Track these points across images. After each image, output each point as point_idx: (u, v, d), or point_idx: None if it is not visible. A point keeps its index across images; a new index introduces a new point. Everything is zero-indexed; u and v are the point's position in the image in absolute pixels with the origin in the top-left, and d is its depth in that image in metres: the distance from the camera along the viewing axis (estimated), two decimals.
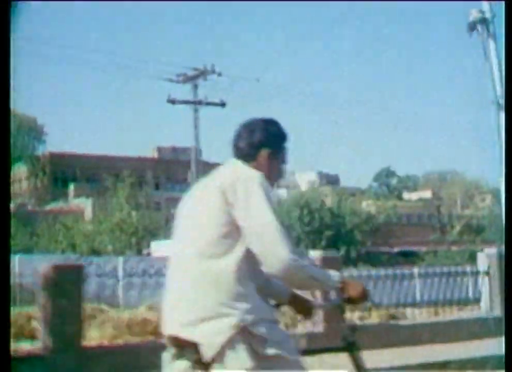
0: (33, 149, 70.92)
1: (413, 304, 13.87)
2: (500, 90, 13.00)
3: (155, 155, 77.55)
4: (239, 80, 31.18)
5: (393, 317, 11.27)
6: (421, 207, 73.54)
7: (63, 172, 66.23)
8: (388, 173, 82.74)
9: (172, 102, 23.89)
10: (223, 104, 25.05)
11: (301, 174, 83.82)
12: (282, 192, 67.51)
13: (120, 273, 24.38)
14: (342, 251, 37.92)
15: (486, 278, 10.71)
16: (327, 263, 8.79)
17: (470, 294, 17.76)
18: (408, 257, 43.09)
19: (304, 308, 3.11)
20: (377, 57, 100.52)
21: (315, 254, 8.84)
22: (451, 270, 13.65)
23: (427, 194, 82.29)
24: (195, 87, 24.46)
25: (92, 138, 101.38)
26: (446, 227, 66.79)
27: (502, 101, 13.09)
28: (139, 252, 35.12)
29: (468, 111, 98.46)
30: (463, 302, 12.97)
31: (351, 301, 2.82)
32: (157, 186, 73.01)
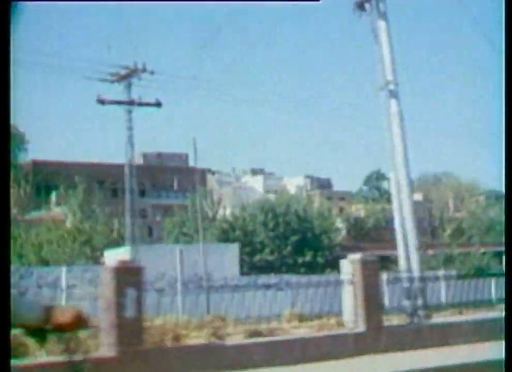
0: (14, 157, 70.05)
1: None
2: (391, 74, 11.61)
3: (141, 161, 76.58)
4: (175, 78, 29.83)
5: (257, 334, 9.86)
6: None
7: (46, 180, 65.31)
8: (378, 176, 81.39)
9: (101, 102, 22.63)
10: (158, 104, 23.77)
11: (290, 179, 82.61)
12: (270, 197, 66.29)
13: (63, 283, 23.21)
14: (308, 256, 36.51)
15: (349, 287, 9.30)
16: (128, 270, 7.51)
17: (443, 299, 16.44)
18: (382, 262, 41.57)
19: (37, 332, 2.49)
20: (365, 57, 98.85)
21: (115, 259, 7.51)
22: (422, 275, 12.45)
23: (418, 197, 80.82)
24: (129, 86, 23.21)
25: (76, 145, 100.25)
26: (437, 230, 65.48)
27: (394, 87, 11.72)
28: (96, 261, 33.85)
29: (463, 112, 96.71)
30: (434, 308, 11.91)
31: (59, 328, 2.46)
32: (142, 193, 72.07)
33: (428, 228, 65.94)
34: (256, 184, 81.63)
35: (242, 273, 34.30)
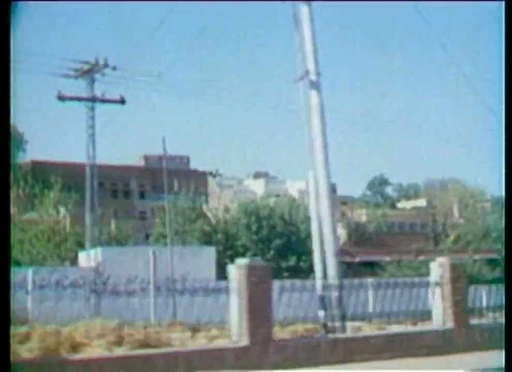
0: (13, 157, 69.80)
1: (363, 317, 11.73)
2: (313, 64, 10.65)
3: (142, 163, 76.12)
4: (139, 75, 29.04)
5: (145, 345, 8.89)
6: (415, 216, 70.89)
7: (45, 181, 65.05)
8: (381, 181, 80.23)
9: (61, 98, 21.83)
10: (122, 101, 22.95)
11: (292, 183, 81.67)
12: (271, 201, 65.45)
13: (30, 284, 22.43)
14: (292, 261, 35.49)
15: (235, 296, 8.34)
16: None
17: (429, 305, 15.52)
18: (371, 267, 40.55)
19: None
20: (373, 61, 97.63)
21: None
22: (407, 281, 11.89)
23: (422, 202, 79.72)
24: (92, 82, 22.41)
25: (76, 145, 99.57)
26: (440, 236, 64.33)
27: (315, 77, 10.76)
28: (73, 262, 33.17)
29: (471, 118, 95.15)
30: (419, 315, 11.09)
31: None
32: (142, 195, 71.61)
33: (431, 234, 64.82)
34: (258, 187, 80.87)
35: (223, 277, 33.44)
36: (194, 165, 72.02)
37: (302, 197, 77.01)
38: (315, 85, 10.55)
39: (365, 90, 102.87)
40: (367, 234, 62.20)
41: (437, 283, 9.95)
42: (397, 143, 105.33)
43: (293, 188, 79.92)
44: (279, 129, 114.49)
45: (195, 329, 15.78)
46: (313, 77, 10.56)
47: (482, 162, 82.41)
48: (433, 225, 67.98)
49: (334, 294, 10.08)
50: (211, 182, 77.31)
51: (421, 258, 41.99)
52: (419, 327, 10.18)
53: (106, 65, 22.07)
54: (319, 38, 10.43)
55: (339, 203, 76.52)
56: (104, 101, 22.82)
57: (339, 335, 9.30)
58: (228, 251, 35.07)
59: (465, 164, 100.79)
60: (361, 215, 68.03)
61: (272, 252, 35.08)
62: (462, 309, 9.80)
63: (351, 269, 40.14)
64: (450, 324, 9.73)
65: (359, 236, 62.31)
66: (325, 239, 10.44)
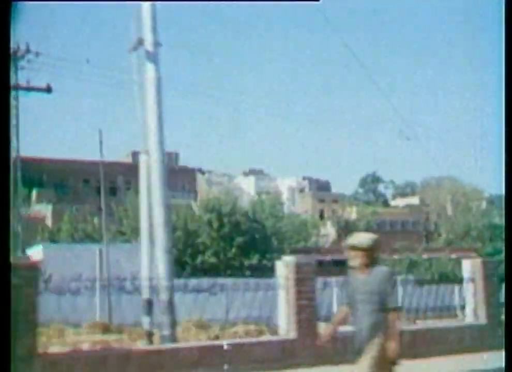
0: None
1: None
2: (150, 33, 9.24)
3: (130, 159, 74.89)
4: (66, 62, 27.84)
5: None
6: (407, 214, 69.38)
7: (30, 177, 64.11)
8: (374, 178, 78.71)
9: None
10: (48, 90, 21.66)
11: (283, 180, 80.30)
12: (261, 197, 64.08)
13: None
14: (255, 259, 34.10)
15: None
16: None
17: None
18: (342, 265, 39.12)
19: None
20: (368, 59, 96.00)
21: None
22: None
23: (416, 201, 78.13)
24: (16, 69, 21.16)
25: (62, 141, 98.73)
26: (432, 234, 62.93)
27: (151, 48, 9.36)
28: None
29: (468, 118, 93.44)
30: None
31: None
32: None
33: (423, 232, 63.39)
34: (249, 185, 79.64)
35: (179, 276, 32.08)
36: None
37: (293, 194, 75.55)
38: (152, 57, 9.18)
39: (360, 87, 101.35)
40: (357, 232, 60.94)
41: (281, 286, 8.54)
42: (396, 141, 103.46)
43: (284, 185, 78.67)
44: (274, 127, 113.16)
45: (105, 331, 14.48)
46: (149, 47, 9.18)
47: (480, 160, 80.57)
48: (425, 222, 66.56)
49: (164, 297, 8.71)
50: (201, 179, 76.11)
51: (396, 256, 40.63)
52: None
53: (28, 51, 20.79)
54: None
55: (330, 200, 75.17)
56: (29, 89, 21.52)
57: (139, 348, 7.92)
58: (188, 248, 33.76)
59: (463, 162, 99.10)
60: (352, 213, 66.59)
61: (234, 250, 33.75)
62: (308, 315, 8.38)
63: (323, 267, 38.77)
64: (293, 334, 8.31)
65: (348, 234, 60.87)
66: (155, 234, 9.07)
